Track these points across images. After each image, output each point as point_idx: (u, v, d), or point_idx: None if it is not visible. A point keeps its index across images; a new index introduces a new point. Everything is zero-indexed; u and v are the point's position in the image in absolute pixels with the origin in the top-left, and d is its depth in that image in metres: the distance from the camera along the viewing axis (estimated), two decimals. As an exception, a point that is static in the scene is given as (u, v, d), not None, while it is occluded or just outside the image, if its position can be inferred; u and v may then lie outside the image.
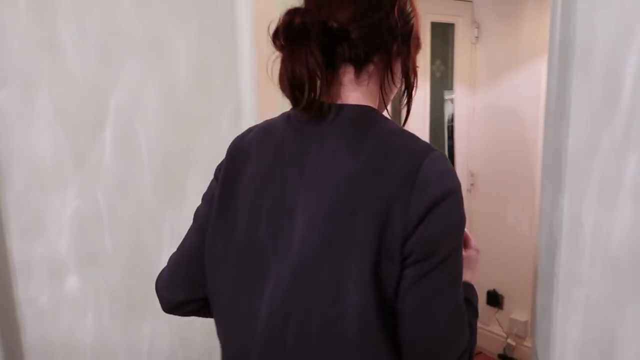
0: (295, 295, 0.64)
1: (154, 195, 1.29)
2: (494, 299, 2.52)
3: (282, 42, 0.65)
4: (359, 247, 0.60)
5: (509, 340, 2.47)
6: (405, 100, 0.73)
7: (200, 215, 0.78)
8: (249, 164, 0.72)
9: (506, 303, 2.51)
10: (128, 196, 1.27)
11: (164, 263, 1.23)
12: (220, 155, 0.77)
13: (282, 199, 0.67)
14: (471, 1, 2.45)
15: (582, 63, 0.83)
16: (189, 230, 0.80)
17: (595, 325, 0.86)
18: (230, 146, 0.77)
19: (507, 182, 2.38)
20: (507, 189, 2.36)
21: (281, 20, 0.65)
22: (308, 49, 0.64)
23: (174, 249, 0.80)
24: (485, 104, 2.43)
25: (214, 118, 1.35)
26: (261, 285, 0.67)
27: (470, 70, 2.48)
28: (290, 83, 0.65)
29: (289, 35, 0.65)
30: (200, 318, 0.83)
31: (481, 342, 2.62)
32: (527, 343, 2.41)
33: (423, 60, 2.36)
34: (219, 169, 0.77)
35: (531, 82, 2.27)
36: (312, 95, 0.64)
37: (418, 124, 2.36)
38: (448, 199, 0.60)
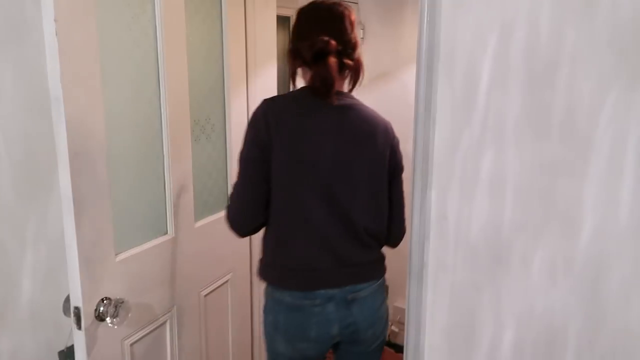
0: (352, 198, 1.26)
1: (15, 194, 1.17)
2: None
3: (309, 60, 1.22)
4: (381, 169, 1.31)
5: (393, 327, 2.62)
6: (351, 87, 1.32)
7: (255, 165, 1.19)
8: (293, 118, 1.21)
9: (390, 293, 2.65)
10: (-19, 196, 1.13)
11: (27, 268, 1.13)
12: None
13: (320, 142, 1.22)
14: (357, 2, 2.54)
15: (445, 67, 0.89)
16: (246, 177, 1.21)
17: (459, 309, 0.93)
18: (265, 108, 1.21)
19: None
20: None
21: (303, 46, 1.21)
22: (332, 62, 1.20)
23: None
24: (368, 104, 2.53)
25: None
26: (327, 200, 1.23)
27: (356, 70, 2.56)
28: (323, 84, 1.20)
29: (317, 54, 1.19)
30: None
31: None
32: (409, 328, 2.57)
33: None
34: (257, 127, 1.19)
35: (411, 85, 2.41)
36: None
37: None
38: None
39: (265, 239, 1.27)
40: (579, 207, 0.79)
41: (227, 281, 1.65)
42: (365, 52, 2.55)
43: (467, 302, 0.92)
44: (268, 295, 1.30)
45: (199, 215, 1.48)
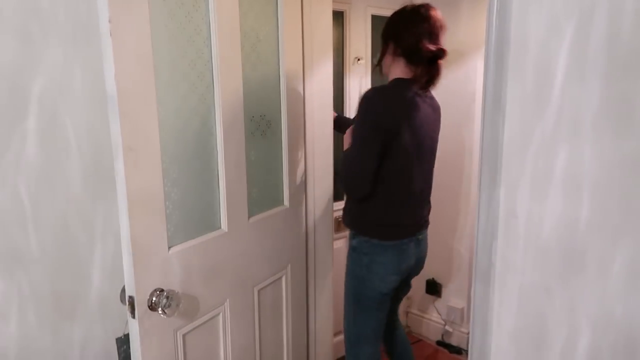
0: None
1: (84, 188, 1.22)
2: (433, 287, 2.60)
3: (424, 61, 1.53)
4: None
5: (447, 327, 2.56)
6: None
7: (377, 143, 1.47)
8: (408, 106, 1.52)
9: (444, 291, 2.60)
10: (55, 190, 1.19)
11: (96, 261, 1.17)
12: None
13: (424, 127, 1.56)
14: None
15: (516, 60, 0.85)
16: (369, 153, 1.47)
17: (528, 312, 0.89)
18: (382, 96, 1.50)
19: (443, 174, 2.46)
20: (444, 182, 2.43)
21: (421, 48, 1.53)
22: (441, 65, 1.56)
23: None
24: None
25: (149, 108, 1.29)
26: (423, 175, 1.62)
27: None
28: (431, 81, 1.56)
29: (434, 58, 1.53)
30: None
31: (420, 330, 2.70)
32: (464, 329, 2.51)
33: (365, 52, 2.38)
34: (378, 111, 1.47)
35: (467, 77, 2.34)
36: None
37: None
38: None
39: (372, 205, 1.57)
40: (666, 207, 0.73)
41: (282, 277, 1.66)
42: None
43: (537, 305, 0.88)
44: (370, 246, 1.59)
45: (253, 211, 1.50)
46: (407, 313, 2.73)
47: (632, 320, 0.78)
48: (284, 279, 1.69)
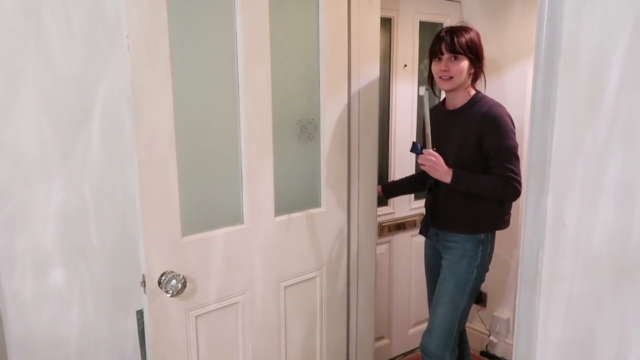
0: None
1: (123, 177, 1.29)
2: (478, 297, 2.55)
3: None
4: None
5: (491, 338, 2.51)
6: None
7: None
8: None
9: (489, 301, 2.55)
10: (115, 188, 1.26)
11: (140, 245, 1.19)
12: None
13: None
14: (459, 1, 2.47)
15: (567, 65, 0.84)
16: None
17: (576, 323, 0.88)
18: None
19: None
20: None
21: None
22: None
23: None
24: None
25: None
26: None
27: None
28: None
29: None
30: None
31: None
32: (509, 340, 2.45)
33: (412, 59, 2.38)
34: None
35: (517, 82, 2.30)
36: None
37: (406, 119, 2.38)
38: None
39: (493, 205, 1.73)
40: None
41: (315, 277, 1.67)
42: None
43: (585, 316, 0.86)
44: (489, 239, 1.76)
45: (281, 211, 1.53)
46: (450, 322, 2.69)
47: (687, 335, 0.76)
48: (318, 279, 1.71)
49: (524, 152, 2.21)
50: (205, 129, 1.33)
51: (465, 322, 1.81)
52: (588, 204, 0.84)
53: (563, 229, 0.87)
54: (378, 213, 1.99)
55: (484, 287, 2.51)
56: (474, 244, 1.73)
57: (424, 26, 2.40)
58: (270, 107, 1.45)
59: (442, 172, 1.66)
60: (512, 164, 1.64)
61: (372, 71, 1.80)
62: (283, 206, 1.55)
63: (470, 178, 1.66)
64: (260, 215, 1.48)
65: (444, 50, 1.66)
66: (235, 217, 1.43)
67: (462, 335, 1.94)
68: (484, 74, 1.75)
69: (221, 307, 1.43)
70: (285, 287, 1.61)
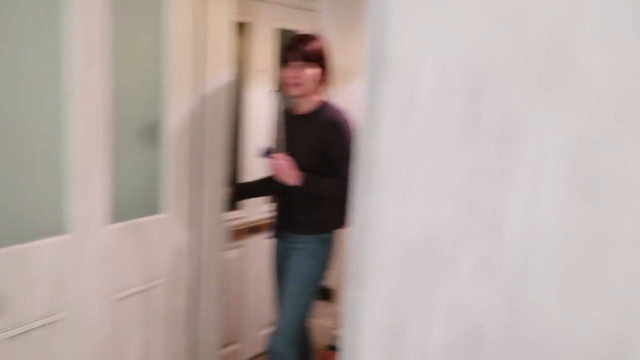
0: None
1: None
2: (325, 294, 2.67)
3: None
4: None
5: (337, 332, 2.65)
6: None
7: None
8: None
9: (335, 297, 2.68)
10: None
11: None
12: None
13: None
14: (316, 10, 2.58)
15: (389, 75, 0.93)
16: None
17: (394, 308, 0.96)
18: None
19: None
20: None
21: None
22: None
23: None
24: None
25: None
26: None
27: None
28: None
29: None
30: None
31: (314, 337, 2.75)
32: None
33: (268, 63, 2.42)
34: None
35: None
36: None
37: (261, 123, 2.41)
38: None
39: (335, 206, 1.75)
40: (504, 210, 0.84)
41: (155, 287, 1.60)
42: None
43: (402, 303, 0.96)
44: (331, 238, 1.85)
45: (118, 218, 1.45)
46: (301, 321, 2.78)
47: (475, 309, 0.88)
48: (159, 289, 1.64)
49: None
50: (19, 130, 1.20)
51: (308, 319, 1.90)
52: (404, 200, 0.93)
53: (384, 224, 0.96)
54: (231, 217, 1.98)
55: (331, 284, 2.64)
56: (319, 243, 1.82)
57: (281, 33, 2.46)
58: (106, 108, 1.36)
59: (291, 176, 1.70)
60: (347, 169, 1.75)
61: (223, 75, 1.79)
62: (121, 213, 1.46)
63: (319, 181, 1.73)
64: (91, 224, 1.37)
65: (293, 57, 1.72)
66: (59, 227, 1.31)
67: (305, 332, 2.01)
68: (331, 81, 1.85)
69: (41, 326, 1.29)
70: (120, 300, 1.50)
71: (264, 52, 2.36)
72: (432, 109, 0.88)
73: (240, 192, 2.06)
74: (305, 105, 1.81)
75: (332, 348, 2.61)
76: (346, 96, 2.49)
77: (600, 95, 0.75)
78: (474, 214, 0.86)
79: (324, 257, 1.83)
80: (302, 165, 1.73)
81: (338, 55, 2.52)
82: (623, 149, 0.74)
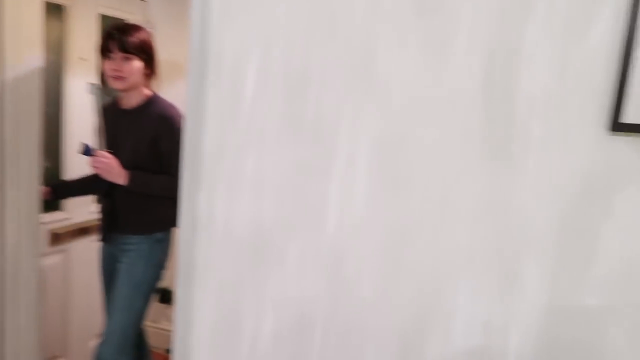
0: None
1: None
2: (164, 296, 2.58)
3: None
4: None
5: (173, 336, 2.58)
6: None
7: None
8: None
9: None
10: None
11: None
12: None
13: None
14: (146, 0, 2.45)
15: (214, 74, 0.93)
16: None
17: (225, 304, 0.98)
18: None
19: None
20: None
21: None
22: None
23: None
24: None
25: None
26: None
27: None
28: None
29: None
30: None
31: (152, 341, 2.63)
32: (195, 334, 2.56)
33: (90, 51, 2.22)
34: None
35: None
36: None
37: (84, 116, 2.21)
38: None
39: (167, 204, 1.59)
40: (324, 203, 0.91)
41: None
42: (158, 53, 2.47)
43: (233, 298, 0.97)
44: (165, 238, 1.76)
45: None
46: (138, 326, 2.64)
47: (302, 298, 0.94)
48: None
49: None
50: None
51: (141, 323, 1.81)
52: (233, 197, 0.94)
53: (214, 221, 0.96)
54: (50, 219, 1.79)
55: (170, 286, 2.55)
56: (151, 244, 1.73)
57: (106, 19, 2.28)
58: None
59: (116, 174, 1.61)
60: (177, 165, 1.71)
61: (31, 61, 1.60)
62: None
63: (147, 179, 1.65)
64: None
65: (114, 49, 1.61)
66: None
67: (139, 336, 1.92)
68: (158, 75, 1.76)
69: None
70: None
71: (86, 39, 2.16)
72: (257, 107, 0.91)
73: (58, 191, 1.86)
74: (131, 100, 1.70)
75: (169, 351, 2.53)
76: (178, 92, 2.42)
77: (396, 100, 0.86)
78: (298, 207, 0.92)
79: (157, 258, 1.75)
80: (129, 162, 1.63)
81: (168, 49, 2.44)
82: (408, 148, 0.86)
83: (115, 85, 1.65)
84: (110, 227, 1.74)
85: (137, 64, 1.65)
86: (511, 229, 0.84)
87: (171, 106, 1.72)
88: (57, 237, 2.10)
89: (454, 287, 0.87)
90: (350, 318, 0.93)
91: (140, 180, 1.63)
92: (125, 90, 1.68)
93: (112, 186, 1.67)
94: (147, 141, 1.65)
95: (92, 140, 1.87)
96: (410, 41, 0.84)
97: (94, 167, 1.60)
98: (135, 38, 1.63)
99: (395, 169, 0.88)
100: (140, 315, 1.73)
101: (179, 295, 1.02)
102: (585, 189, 0.79)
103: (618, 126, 0.75)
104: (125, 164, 1.62)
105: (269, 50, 0.90)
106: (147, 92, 1.73)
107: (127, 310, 1.69)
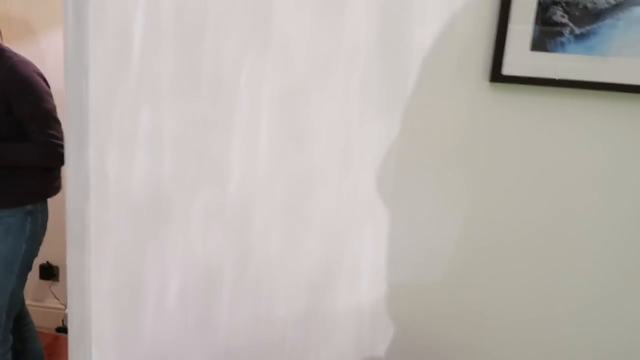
0: None
1: None
2: (48, 272, 2.39)
3: None
4: None
5: (67, 311, 2.41)
6: None
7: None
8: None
9: (62, 274, 2.42)
10: None
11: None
12: None
13: None
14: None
15: (97, 22, 0.85)
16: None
17: (125, 269, 0.93)
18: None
19: None
20: None
21: None
22: None
23: None
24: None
25: None
26: None
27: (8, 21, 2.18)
28: None
29: None
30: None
31: (37, 321, 2.44)
32: (87, 308, 2.42)
33: None
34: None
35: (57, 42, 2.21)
36: None
37: None
38: None
39: (38, 174, 1.58)
40: (227, 159, 0.89)
41: None
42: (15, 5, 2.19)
43: (132, 262, 0.93)
44: (38, 209, 1.61)
45: None
46: (20, 307, 2.42)
47: (210, 257, 0.92)
48: None
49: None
50: None
51: (19, 305, 1.67)
52: (126, 155, 0.88)
53: (105, 180, 0.90)
54: None
55: (55, 260, 2.37)
56: (20, 217, 1.60)
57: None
58: None
59: None
60: (51, 129, 1.54)
61: None
62: None
63: (4, 148, 1.50)
64: None
65: None
66: None
67: (23, 319, 1.78)
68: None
69: None
70: None
71: None
72: (148, 57, 0.85)
73: None
74: None
75: (63, 330, 2.37)
76: (42, 47, 2.18)
77: (294, 56, 0.85)
78: (199, 164, 0.89)
79: (26, 233, 1.60)
80: None
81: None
82: (308, 102, 0.87)
83: None
84: None
85: None
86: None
87: (23, 62, 1.53)
88: None
89: (357, 237, 0.91)
90: (259, 272, 0.93)
91: None
92: None
93: None
94: None
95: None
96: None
97: None
98: None
99: (297, 122, 0.88)
100: (13, 296, 1.58)
101: (70, 265, 0.94)
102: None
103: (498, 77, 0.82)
104: None
105: (157, -6, 0.83)
106: None
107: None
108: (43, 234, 1.68)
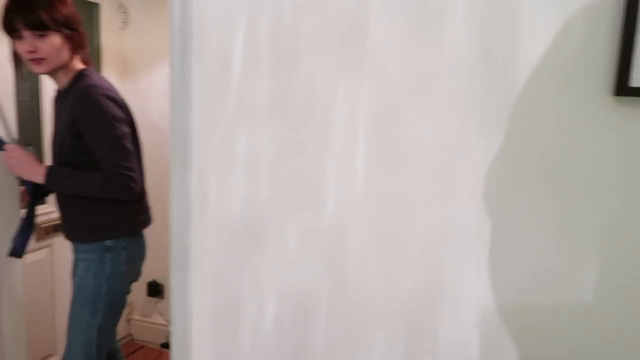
0: None
1: None
2: (155, 289, 2.53)
3: None
4: None
5: (170, 328, 2.54)
6: None
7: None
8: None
9: (167, 291, 2.56)
10: None
11: None
12: None
13: None
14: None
15: (198, 50, 0.88)
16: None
17: (223, 291, 0.94)
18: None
19: (154, 173, 2.30)
20: (153, 180, 2.32)
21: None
22: None
23: None
24: (137, 91, 2.38)
25: None
26: None
27: (119, 56, 2.39)
28: None
29: None
30: None
31: (144, 336, 2.59)
32: (188, 325, 2.52)
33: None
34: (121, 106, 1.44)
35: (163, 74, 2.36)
36: None
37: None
38: None
39: (112, 206, 1.46)
40: (323, 183, 0.87)
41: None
42: (130, 38, 2.39)
43: (231, 284, 0.94)
44: (121, 245, 1.51)
45: None
46: (129, 320, 2.58)
47: (303, 284, 0.91)
48: None
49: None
50: None
51: (110, 342, 1.60)
52: (225, 178, 0.90)
53: (206, 204, 0.92)
54: (36, 212, 1.70)
55: (162, 278, 2.50)
56: (99, 253, 1.48)
57: (79, 5, 2.19)
58: None
59: (31, 171, 1.38)
60: (117, 157, 1.37)
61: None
62: None
63: (68, 176, 1.39)
64: None
65: (21, 26, 1.30)
66: None
67: (114, 356, 1.73)
68: (84, 43, 1.46)
69: None
70: None
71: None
72: (245, 83, 0.87)
73: (39, 188, 1.53)
74: (61, 80, 1.42)
75: (166, 345, 2.49)
76: (152, 79, 2.35)
77: (390, 74, 0.82)
78: (294, 188, 0.88)
79: (110, 269, 1.47)
80: (56, 155, 1.41)
81: (145, 33, 2.36)
82: (407, 122, 0.83)
83: (38, 70, 1.36)
84: (64, 232, 1.54)
85: (56, 40, 1.34)
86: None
87: (93, 86, 1.37)
88: (43, 231, 2.04)
89: (461, 263, 0.85)
90: (355, 300, 0.90)
91: (61, 178, 1.37)
92: (49, 73, 1.40)
93: (37, 186, 1.44)
94: (69, 128, 1.37)
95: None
96: (402, 10, 0.80)
97: (6, 163, 1.38)
98: (45, 8, 1.31)
99: (394, 143, 0.84)
100: (100, 333, 1.50)
101: (173, 284, 0.98)
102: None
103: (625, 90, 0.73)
104: (54, 158, 1.42)
105: (254, 19, 0.85)
106: (77, 66, 1.43)
107: (80, 330, 1.47)
108: (133, 272, 1.59)
